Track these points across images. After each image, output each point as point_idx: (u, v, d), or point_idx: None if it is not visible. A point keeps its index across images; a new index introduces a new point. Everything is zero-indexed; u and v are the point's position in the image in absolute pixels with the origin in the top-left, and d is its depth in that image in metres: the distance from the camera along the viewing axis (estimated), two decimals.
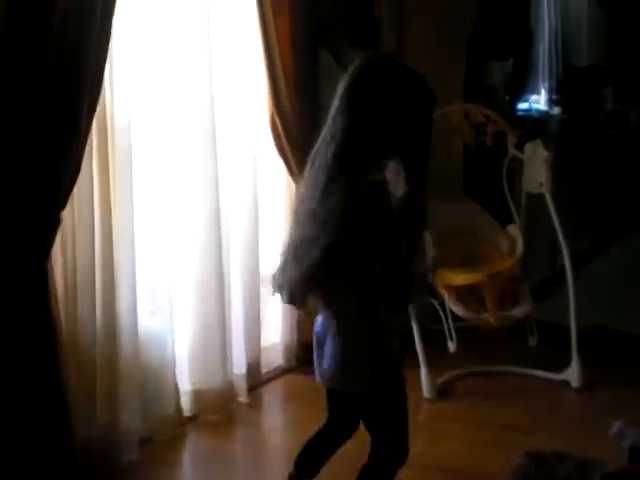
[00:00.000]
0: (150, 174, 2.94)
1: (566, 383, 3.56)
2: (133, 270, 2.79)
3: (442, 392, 3.39)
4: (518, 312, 3.53)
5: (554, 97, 7.08)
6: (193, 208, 3.11)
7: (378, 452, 2.20)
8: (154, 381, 2.98)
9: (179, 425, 3.10)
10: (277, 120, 3.44)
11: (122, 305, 2.76)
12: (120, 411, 2.78)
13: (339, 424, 2.34)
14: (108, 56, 2.55)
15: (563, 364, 3.59)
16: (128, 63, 2.73)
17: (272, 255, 3.63)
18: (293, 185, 3.64)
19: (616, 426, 2.55)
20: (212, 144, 3.11)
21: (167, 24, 2.98)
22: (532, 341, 4.02)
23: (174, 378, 3.05)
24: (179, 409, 3.12)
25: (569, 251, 3.60)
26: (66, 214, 2.51)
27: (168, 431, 3.03)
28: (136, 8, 2.79)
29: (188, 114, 3.07)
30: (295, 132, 3.48)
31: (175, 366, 3.05)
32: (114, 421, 2.77)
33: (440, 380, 3.45)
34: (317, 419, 3.20)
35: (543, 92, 6.91)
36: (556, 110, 7.04)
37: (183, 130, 3.07)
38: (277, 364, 3.73)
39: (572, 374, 3.55)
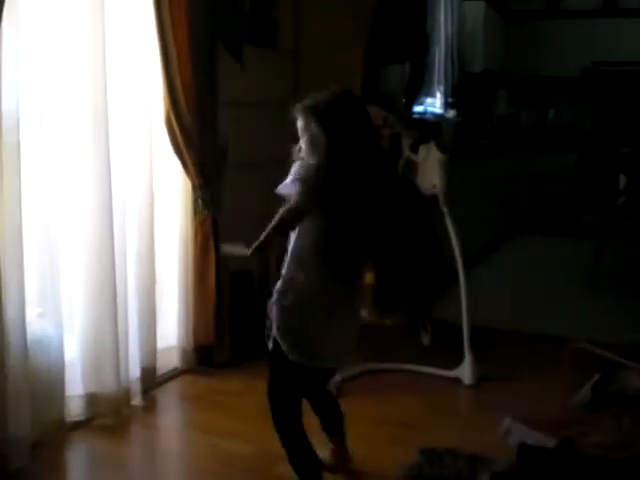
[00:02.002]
0: (39, 173, 2.86)
1: (458, 380, 3.64)
2: (21, 270, 2.70)
3: (337, 391, 3.41)
4: None
5: (449, 100, 7.22)
6: (84, 207, 3.04)
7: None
8: (44, 385, 2.89)
9: (71, 429, 3.03)
10: (173, 119, 3.40)
11: (9, 307, 2.66)
12: (9, 416, 2.69)
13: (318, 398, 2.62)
14: None
15: (455, 362, 3.67)
16: (17, 60, 2.65)
17: (168, 255, 3.63)
18: (189, 183, 3.61)
19: (505, 423, 2.62)
20: (105, 142, 3.04)
21: (59, 21, 2.91)
22: (426, 339, 4.10)
23: (64, 381, 2.98)
24: (70, 413, 3.05)
25: (461, 251, 3.69)
26: None
27: (60, 435, 2.96)
28: (25, 2, 2.71)
29: (79, 112, 3.00)
30: (191, 131, 3.45)
31: (65, 369, 2.98)
32: (3, 427, 2.68)
33: (335, 379, 3.47)
34: (212, 420, 3.20)
35: (439, 95, 7.04)
36: (451, 113, 7.19)
37: (74, 128, 3.00)
38: (173, 366, 3.69)
39: (464, 371, 3.64)
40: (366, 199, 2.27)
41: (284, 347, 2.29)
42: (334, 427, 2.70)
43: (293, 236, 2.30)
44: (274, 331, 2.30)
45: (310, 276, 2.27)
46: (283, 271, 2.31)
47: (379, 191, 2.29)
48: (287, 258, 2.31)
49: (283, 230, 2.27)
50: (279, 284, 2.31)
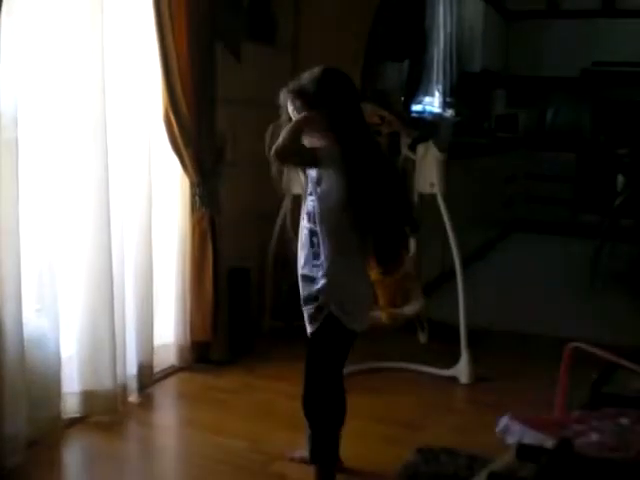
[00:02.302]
0: (37, 168, 2.85)
1: (455, 379, 3.64)
2: (18, 267, 2.69)
3: None
4: (409, 309, 3.59)
5: (448, 100, 7.23)
6: (82, 203, 3.02)
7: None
8: (40, 382, 2.88)
9: (67, 426, 3.02)
10: (171, 116, 3.39)
11: (6, 304, 2.65)
12: (5, 414, 2.67)
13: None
14: None
15: (452, 361, 3.67)
16: (16, 55, 2.63)
17: (165, 252, 3.63)
18: (187, 181, 3.60)
19: (502, 422, 2.61)
20: (103, 139, 3.03)
21: (58, 18, 2.89)
22: (423, 338, 4.11)
23: (61, 379, 2.97)
24: (67, 410, 3.04)
25: (459, 250, 3.68)
26: None
27: (56, 433, 2.95)
28: None
29: (78, 109, 2.98)
30: (190, 128, 3.44)
31: (61, 366, 2.97)
32: None
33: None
34: (208, 417, 3.20)
35: (437, 95, 7.04)
36: (449, 112, 7.20)
37: (73, 125, 2.98)
38: (170, 363, 3.69)
39: (461, 370, 3.64)
40: (373, 174, 2.39)
41: (339, 313, 2.42)
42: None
43: (323, 236, 2.40)
44: (332, 306, 2.41)
45: (349, 258, 2.43)
46: (323, 260, 2.41)
47: (379, 165, 2.45)
48: (326, 250, 2.40)
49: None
50: (324, 269, 2.40)
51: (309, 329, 2.50)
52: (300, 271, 2.49)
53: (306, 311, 2.49)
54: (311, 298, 2.46)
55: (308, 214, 2.43)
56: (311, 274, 2.44)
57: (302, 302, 2.50)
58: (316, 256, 2.42)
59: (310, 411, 2.52)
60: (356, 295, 2.49)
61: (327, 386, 2.54)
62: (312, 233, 2.42)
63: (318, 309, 2.44)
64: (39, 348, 2.88)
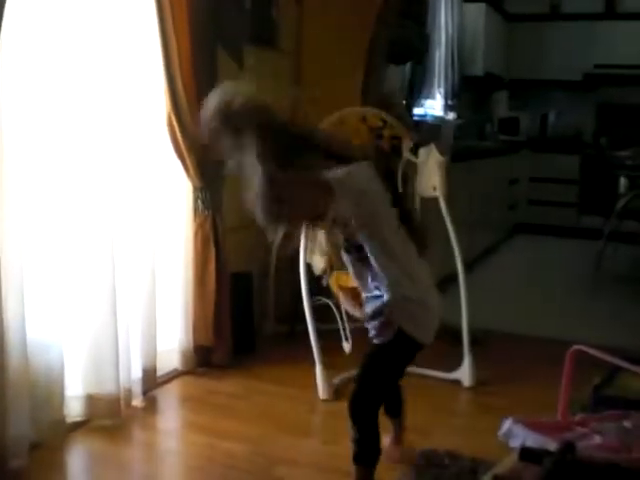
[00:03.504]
0: (39, 171, 2.86)
1: (458, 382, 3.64)
2: (21, 270, 2.69)
3: (338, 392, 3.42)
4: None
5: (450, 103, 7.23)
6: (85, 207, 3.03)
7: None
8: (44, 385, 2.88)
9: (70, 430, 3.03)
10: (174, 121, 3.39)
11: (9, 306, 2.65)
12: (8, 417, 2.68)
13: None
14: None
15: (456, 363, 3.66)
16: (15, 62, 2.63)
17: (168, 257, 3.63)
18: (189, 184, 3.61)
19: (505, 425, 2.61)
20: (105, 144, 3.04)
21: (59, 23, 2.89)
22: None
23: (64, 382, 2.97)
24: (70, 414, 3.05)
25: (461, 254, 3.68)
26: None
27: (59, 436, 2.95)
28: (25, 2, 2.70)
29: (80, 114, 2.98)
30: (192, 133, 3.44)
31: (65, 370, 2.97)
32: (2, 427, 2.66)
33: (335, 380, 3.47)
34: (211, 421, 3.20)
35: (439, 98, 7.04)
36: (451, 115, 7.19)
37: (74, 131, 2.98)
38: (173, 367, 3.69)
39: (463, 373, 3.63)
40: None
41: (410, 328, 2.34)
42: (397, 408, 2.81)
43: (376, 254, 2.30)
44: (402, 322, 2.33)
45: (406, 269, 2.33)
46: (383, 275, 2.30)
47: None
48: (381, 264, 2.29)
49: None
50: (386, 285, 2.30)
51: (376, 341, 2.44)
52: (365, 294, 2.44)
53: (371, 326, 2.42)
54: (377, 313, 2.37)
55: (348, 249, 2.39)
56: (375, 293, 2.38)
57: (367, 318, 2.43)
58: (372, 277, 2.35)
59: (360, 416, 2.45)
60: (426, 305, 2.40)
61: (381, 395, 2.52)
62: (361, 260, 2.35)
63: (385, 324, 2.36)
64: (43, 351, 2.88)
